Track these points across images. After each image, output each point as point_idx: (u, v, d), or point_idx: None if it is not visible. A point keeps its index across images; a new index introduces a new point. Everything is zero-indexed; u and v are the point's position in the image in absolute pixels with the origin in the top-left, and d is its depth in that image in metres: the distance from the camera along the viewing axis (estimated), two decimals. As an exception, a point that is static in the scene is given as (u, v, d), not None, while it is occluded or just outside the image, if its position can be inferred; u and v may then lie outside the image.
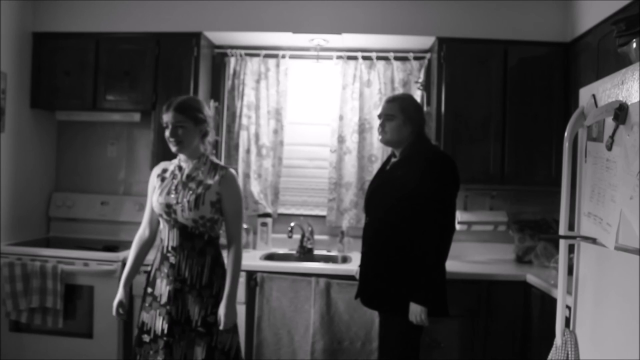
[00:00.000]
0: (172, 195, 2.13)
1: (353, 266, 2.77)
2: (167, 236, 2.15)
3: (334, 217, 3.42)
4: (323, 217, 3.48)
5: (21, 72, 3.21)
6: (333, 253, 3.37)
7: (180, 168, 2.21)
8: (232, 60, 3.46)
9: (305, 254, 3.31)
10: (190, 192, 2.11)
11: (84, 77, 3.23)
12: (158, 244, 2.24)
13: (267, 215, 3.44)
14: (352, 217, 3.39)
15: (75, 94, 3.24)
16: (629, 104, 1.47)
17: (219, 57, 3.51)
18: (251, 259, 3.03)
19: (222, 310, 2.08)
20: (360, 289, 2.41)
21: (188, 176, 2.17)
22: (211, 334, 2.11)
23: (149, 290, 2.17)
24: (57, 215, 3.51)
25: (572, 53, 2.98)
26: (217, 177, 2.14)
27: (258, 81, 3.45)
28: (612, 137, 1.56)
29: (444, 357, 2.78)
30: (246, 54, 3.45)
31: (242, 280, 2.85)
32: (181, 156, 2.20)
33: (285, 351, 2.83)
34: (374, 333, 2.74)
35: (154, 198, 2.18)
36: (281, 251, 3.36)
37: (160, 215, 2.16)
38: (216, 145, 3.49)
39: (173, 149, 2.13)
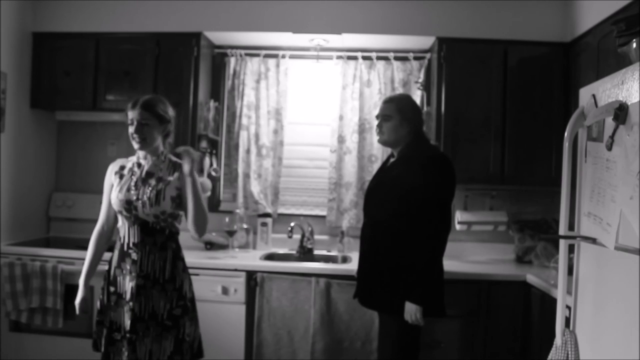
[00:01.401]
0: (132, 192, 2.14)
1: (353, 266, 2.76)
2: (127, 233, 2.16)
3: (334, 217, 3.42)
4: (323, 217, 3.48)
5: (21, 72, 3.21)
6: (333, 253, 3.37)
7: (139, 165, 2.21)
8: (232, 60, 3.46)
9: (305, 254, 3.31)
10: (150, 188, 2.14)
11: (84, 77, 3.23)
12: (114, 242, 2.24)
13: (267, 215, 3.44)
14: (352, 217, 3.39)
15: (75, 94, 3.24)
16: (629, 104, 1.47)
17: (219, 57, 3.51)
18: (251, 259, 3.03)
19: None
20: (359, 288, 2.42)
21: (147, 173, 2.18)
22: (178, 327, 2.14)
23: (112, 289, 2.17)
24: (57, 215, 3.51)
25: (572, 53, 2.98)
26: (176, 174, 2.18)
27: (258, 81, 3.45)
28: (612, 137, 1.56)
29: (444, 357, 2.78)
30: (246, 54, 3.45)
31: (242, 280, 2.86)
32: (140, 153, 2.21)
33: (285, 351, 2.83)
34: (374, 333, 2.74)
35: (113, 195, 2.18)
36: (281, 251, 3.36)
37: (120, 212, 2.16)
38: (215, 145, 3.50)
39: (136, 145, 2.16)
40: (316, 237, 3.42)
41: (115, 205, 2.17)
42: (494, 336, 2.78)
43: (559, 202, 1.89)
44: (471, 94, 3.07)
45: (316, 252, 3.35)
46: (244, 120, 3.43)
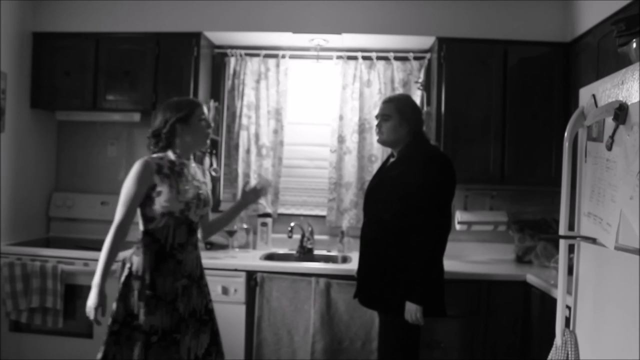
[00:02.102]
0: (189, 194, 2.12)
1: (353, 266, 2.76)
2: (171, 234, 2.09)
3: (334, 217, 3.42)
4: (323, 217, 3.48)
5: (21, 72, 3.21)
6: (333, 253, 3.37)
7: (183, 164, 2.16)
8: (232, 60, 3.46)
9: (305, 254, 3.31)
10: (200, 189, 2.19)
11: (84, 77, 3.23)
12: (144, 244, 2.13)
13: (267, 215, 3.44)
14: (352, 217, 3.39)
15: (75, 94, 3.24)
16: (629, 104, 1.47)
17: (219, 57, 3.51)
18: (251, 259, 3.03)
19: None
20: (359, 288, 2.42)
21: (191, 174, 2.20)
22: (213, 320, 2.23)
23: (149, 292, 2.07)
24: (57, 215, 3.51)
25: (572, 53, 2.98)
26: (207, 175, 2.32)
27: (258, 81, 3.45)
28: (612, 137, 1.56)
29: (444, 357, 2.78)
30: (246, 54, 3.45)
31: (242, 280, 2.86)
32: (173, 153, 2.15)
33: (285, 351, 2.83)
34: (374, 333, 2.74)
35: (169, 196, 2.06)
36: (281, 251, 3.36)
37: (171, 214, 2.07)
38: (215, 145, 3.50)
39: (207, 145, 2.28)
40: (316, 237, 3.41)
41: (174, 207, 2.06)
42: (494, 336, 2.79)
43: (559, 202, 1.89)
44: (471, 94, 3.07)
45: (316, 252, 3.35)
46: (244, 120, 3.43)
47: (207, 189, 2.26)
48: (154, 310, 2.06)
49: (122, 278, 2.11)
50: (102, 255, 2.06)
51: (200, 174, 2.26)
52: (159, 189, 2.07)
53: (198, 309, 2.17)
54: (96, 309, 2.03)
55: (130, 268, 2.10)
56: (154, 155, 2.15)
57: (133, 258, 2.10)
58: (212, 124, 2.28)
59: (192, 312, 2.15)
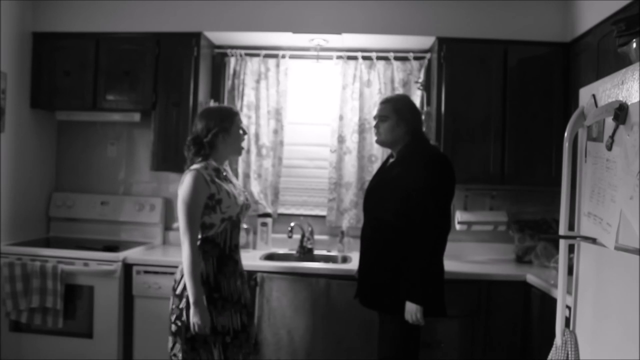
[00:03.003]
0: (242, 197, 2.29)
1: (353, 266, 2.77)
2: (229, 236, 2.21)
3: (334, 217, 3.42)
4: (323, 217, 3.48)
5: (21, 72, 3.21)
6: (333, 253, 3.37)
7: (221, 171, 2.27)
8: (232, 60, 3.46)
9: (305, 254, 3.31)
10: (244, 191, 2.35)
11: (84, 77, 3.23)
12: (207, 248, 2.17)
13: (267, 215, 3.44)
14: (352, 217, 3.39)
15: (75, 94, 3.24)
16: (629, 104, 1.47)
17: (219, 57, 3.51)
18: (251, 259, 3.03)
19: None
20: (359, 288, 2.42)
21: (229, 179, 2.32)
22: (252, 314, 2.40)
23: (216, 295, 2.13)
24: (57, 215, 3.51)
25: (572, 53, 2.98)
26: (239, 180, 2.44)
27: (258, 81, 3.45)
28: (612, 137, 1.56)
29: (444, 357, 2.78)
30: (246, 54, 3.45)
31: (242, 280, 2.88)
32: (213, 162, 2.22)
33: (285, 351, 2.83)
34: (374, 333, 2.73)
35: (230, 201, 2.15)
36: (281, 251, 3.36)
37: (230, 218, 2.18)
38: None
39: (241, 153, 2.42)
40: (316, 237, 3.41)
41: (233, 211, 2.18)
42: (494, 336, 2.78)
43: (559, 202, 1.89)
44: (471, 93, 3.07)
45: (316, 252, 3.35)
46: (244, 120, 3.43)
47: (245, 191, 2.40)
48: (222, 311, 2.15)
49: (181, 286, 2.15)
50: (190, 275, 2.07)
51: (234, 178, 2.39)
52: (218, 197, 2.14)
53: (249, 304, 2.30)
54: (205, 326, 2.06)
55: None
56: (198, 166, 2.17)
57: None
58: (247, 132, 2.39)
59: (245, 306, 2.27)
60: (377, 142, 2.42)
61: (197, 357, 2.11)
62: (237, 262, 2.26)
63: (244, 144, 2.37)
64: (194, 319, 2.05)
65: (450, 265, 2.74)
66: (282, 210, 3.53)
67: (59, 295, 2.84)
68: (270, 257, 3.25)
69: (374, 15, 3.12)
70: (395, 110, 2.33)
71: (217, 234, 2.16)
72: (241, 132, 2.28)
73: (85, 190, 3.56)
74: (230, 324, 2.16)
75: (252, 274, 2.86)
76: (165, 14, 3.19)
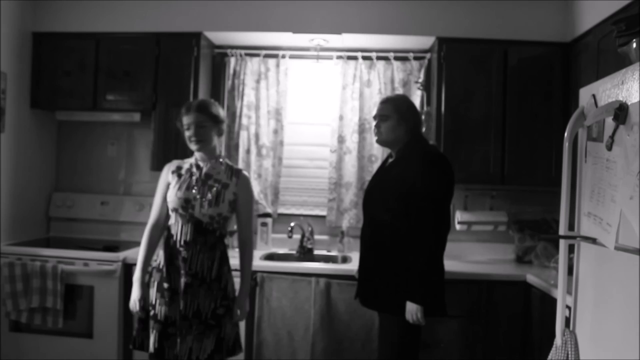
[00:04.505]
0: (193, 191, 2.23)
1: (353, 266, 2.77)
2: (179, 231, 2.22)
3: (334, 217, 3.42)
4: (323, 217, 3.48)
5: (21, 72, 3.21)
6: (333, 253, 3.37)
7: (197, 166, 2.30)
8: (232, 60, 3.46)
9: (305, 254, 3.31)
10: (210, 189, 2.24)
11: (84, 77, 3.22)
12: (162, 241, 2.30)
13: (267, 215, 3.44)
14: (352, 217, 3.39)
15: (75, 94, 3.24)
16: (629, 104, 1.47)
17: (219, 57, 3.51)
18: (251, 259, 3.03)
19: (240, 305, 2.28)
20: (359, 288, 2.42)
21: (207, 174, 2.28)
22: (220, 326, 2.21)
23: (165, 285, 2.20)
24: (57, 215, 3.51)
25: (572, 53, 2.98)
26: (234, 179, 2.30)
27: (258, 81, 3.45)
28: (612, 137, 1.56)
29: (444, 357, 2.78)
30: (246, 54, 3.45)
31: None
32: (197, 155, 2.30)
33: (285, 351, 2.83)
34: (374, 333, 2.74)
35: (171, 192, 2.25)
36: (281, 251, 3.36)
37: (176, 210, 2.22)
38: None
39: (194, 147, 2.26)
40: (316, 237, 3.42)
41: (172, 203, 2.23)
42: (494, 336, 2.79)
43: (559, 202, 1.89)
44: (471, 94, 3.07)
45: (316, 252, 3.35)
46: (244, 120, 3.43)
47: (224, 189, 2.26)
48: (170, 302, 2.17)
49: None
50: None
51: (224, 175, 2.30)
52: (170, 186, 2.33)
53: (204, 311, 2.18)
54: (139, 300, 2.24)
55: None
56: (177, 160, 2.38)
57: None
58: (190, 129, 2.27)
59: (197, 312, 2.17)
60: (378, 141, 2.41)
61: (146, 339, 2.23)
62: (185, 259, 2.18)
63: (191, 139, 2.26)
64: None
65: (450, 265, 2.75)
66: (282, 210, 3.53)
67: (59, 295, 2.84)
68: (270, 257, 3.25)
69: (374, 15, 3.12)
70: (396, 110, 2.33)
71: (170, 224, 2.27)
72: (179, 126, 2.29)
73: (85, 190, 3.56)
74: (176, 316, 2.17)
75: (252, 274, 2.86)
76: (165, 14, 3.19)
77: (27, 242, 3.15)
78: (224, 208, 2.24)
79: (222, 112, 2.33)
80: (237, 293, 2.30)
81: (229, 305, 2.24)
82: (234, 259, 2.37)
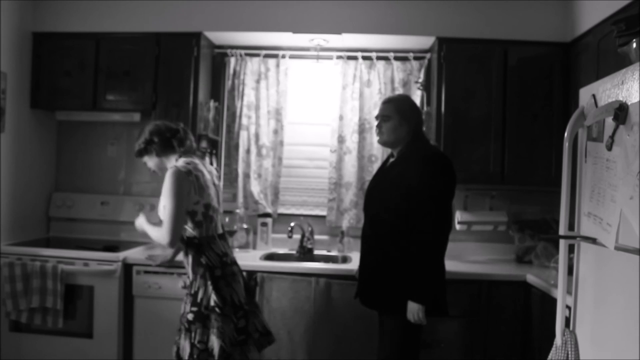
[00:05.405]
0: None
1: (353, 266, 2.77)
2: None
3: (334, 217, 3.42)
4: (323, 217, 3.48)
5: (21, 72, 3.21)
6: (333, 253, 3.37)
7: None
8: (232, 60, 3.46)
9: (305, 254, 3.31)
10: None
11: (84, 77, 3.22)
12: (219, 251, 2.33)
13: (267, 215, 3.44)
14: (352, 217, 3.39)
15: (75, 94, 3.24)
16: (629, 104, 1.47)
17: (219, 57, 3.51)
18: (251, 259, 3.03)
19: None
20: (360, 288, 2.42)
21: None
22: (190, 331, 2.27)
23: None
24: (57, 215, 3.51)
25: (572, 53, 2.98)
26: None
27: (258, 81, 3.45)
28: (612, 137, 1.56)
29: (444, 357, 2.78)
30: (246, 54, 3.45)
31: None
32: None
33: (285, 351, 2.82)
34: (374, 333, 2.74)
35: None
36: (281, 251, 3.36)
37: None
38: (215, 145, 3.49)
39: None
40: (316, 237, 3.42)
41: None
42: (494, 336, 2.79)
43: (559, 202, 1.89)
44: (471, 94, 3.07)
45: (316, 252, 3.35)
46: (244, 120, 3.43)
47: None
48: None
49: None
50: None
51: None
52: None
53: (181, 314, 2.29)
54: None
55: None
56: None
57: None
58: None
59: (182, 314, 2.29)
60: (380, 142, 2.41)
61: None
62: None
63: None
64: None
65: (450, 265, 2.74)
66: (282, 210, 3.53)
67: (59, 295, 2.84)
68: (270, 257, 3.25)
69: (374, 15, 3.12)
70: (398, 110, 2.33)
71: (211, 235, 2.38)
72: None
73: (85, 190, 3.55)
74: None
75: (252, 274, 2.86)
76: (165, 14, 3.19)
77: (27, 242, 3.15)
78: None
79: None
80: (213, 302, 2.20)
81: (200, 312, 2.19)
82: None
